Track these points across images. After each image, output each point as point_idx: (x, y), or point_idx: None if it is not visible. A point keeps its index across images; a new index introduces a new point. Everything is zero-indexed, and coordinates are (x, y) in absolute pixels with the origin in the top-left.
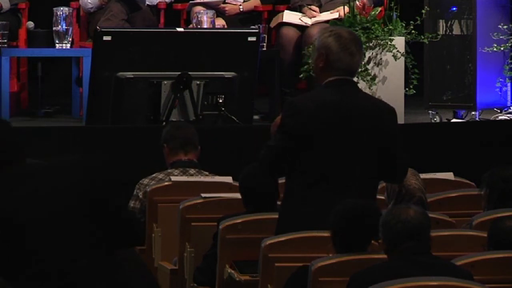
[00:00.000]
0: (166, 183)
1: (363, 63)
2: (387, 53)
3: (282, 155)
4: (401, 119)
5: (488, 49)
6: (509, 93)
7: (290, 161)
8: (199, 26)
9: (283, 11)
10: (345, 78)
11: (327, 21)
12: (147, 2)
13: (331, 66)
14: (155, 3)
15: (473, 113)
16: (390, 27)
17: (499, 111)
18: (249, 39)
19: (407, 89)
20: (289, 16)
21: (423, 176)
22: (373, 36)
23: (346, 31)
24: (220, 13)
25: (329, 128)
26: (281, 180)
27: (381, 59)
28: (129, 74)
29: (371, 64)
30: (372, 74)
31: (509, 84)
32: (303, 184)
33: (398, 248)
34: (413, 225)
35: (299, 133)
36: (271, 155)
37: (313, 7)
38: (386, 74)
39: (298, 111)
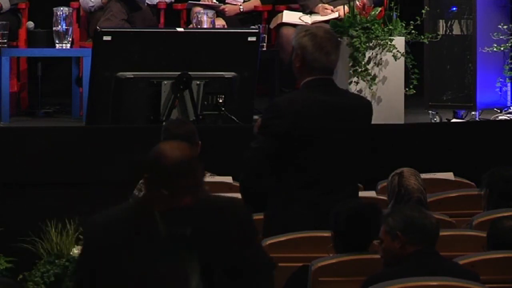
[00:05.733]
0: None
1: (363, 63)
2: (387, 53)
3: (265, 157)
4: (401, 119)
5: (488, 49)
6: (509, 93)
7: (274, 163)
8: (199, 26)
9: (283, 11)
10: (323, 78)
11: (327, 21)
12: (147, 2)
13: (308, 66)
14: (155, 3)
15: (473, 113)
16: (390, 27)
17: (499, 111)
18: (249, 39)
19: (407, 89)
20: (289, 16)
21: (423, 176)
22: (373, 36)
23: (322, 30)
24: (220, 13)
25: (311, 128)
26: None
27: (381, 59)
28: (129, 74)
29: (371, 64)
30: (372, 74)
31: (509, 84)
32: (291, 185)
33: (419, 248)
34: (436, 227)
35: (281, 135)
36: (254, 157)
37: (326, 5)
38: (386, 74)
39: (279, 113)
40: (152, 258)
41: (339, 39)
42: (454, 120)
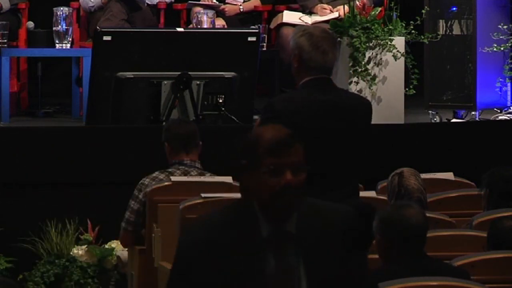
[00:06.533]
0: (166, 183)
1: (363, 63)
2: (387, 53)
3: None
4: (401, 119)
5: (488, 49)
6: (509, 93)
7: None
8: (199, 26)
9: (283, 11)
10: (320, 77)
11: (327, 21)
12: (147, 2)
13: (305, 65)
14: (155, 3)
15: (473, 113)
16: (390, 27)
17: (499, 111)
18: (249, 39)
19: (407, 89)
20: (289, 16)
21: (423, 176)
22: (373, 36)
23: (319, 30)
24: (220, 13)
25: (309, 128)
26: None
27: (381, 59)
28: (129, 74)
29: (371, 64)
30: (372, 74)
31: (509, 84)
32: None
33: (398, 249)
34: (417, 226)
35: None
36: None
37: (325, 5)
38: (386, 74)
39: (277, 113)
40: (257, 261)
41: (338, 39)
42: (454, 120)
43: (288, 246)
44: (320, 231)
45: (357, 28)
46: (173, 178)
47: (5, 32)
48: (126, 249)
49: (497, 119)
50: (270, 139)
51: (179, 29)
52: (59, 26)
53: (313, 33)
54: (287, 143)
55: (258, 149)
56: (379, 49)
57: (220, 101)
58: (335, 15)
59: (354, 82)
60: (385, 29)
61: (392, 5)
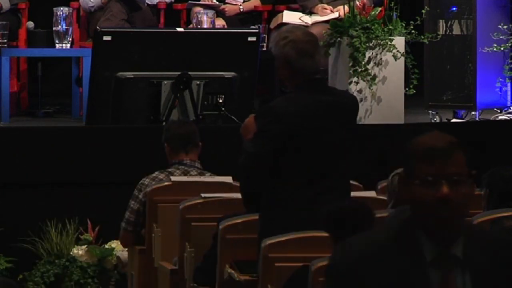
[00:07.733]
0: (166, 183)
1: (363, 63)
2: (387, 53)
3: (264, 161)
4: (401, 119)
5: (488, 49)
6: (509, 93)
7: (273, 166)
8: (199, 26)
9: (283, 11)
10: (313, 78)
11: (327, 21)
12: (147, 2)
13: (296, 72)
14: (155, 3)
15: (473, 113)
16: (390, 27)
17: (499, 111)
18: (249, 39)
19: (407, 89)
20: (289, 16)
21: None
22: (373, 36)
23: (300, 33)
24: (220, 13)
25: (309, 128)
26: None
27: (381, 59)
28: (129, 74)
29: (371, 64)
30: (372, 74)
31: (509, 84)
32: (289, 185)
33: None
34: None
35: (279, 138)
36: (254, 161)
37: (325, 5)
38: (386, 74)
39: (277, 115)
40: (421, 285)
41: (338, 39)
42: (454, 120)
43: (455, 271)
44: (490, 260)
45: (357, 28)
46: (173, 178)
47: (5, 32)
48: (126, 249)
49: (497, 119)
50: (424, 146)
51: (179, 29)
52: (59, 26)
53: (296, 40)
54: (444, 150)
55: (413, 157)
56: (379, 49)
57: (220, 101)
58: (335, 15)
59: (354, 82)
60: (385, 29)
61: (392, 5)
